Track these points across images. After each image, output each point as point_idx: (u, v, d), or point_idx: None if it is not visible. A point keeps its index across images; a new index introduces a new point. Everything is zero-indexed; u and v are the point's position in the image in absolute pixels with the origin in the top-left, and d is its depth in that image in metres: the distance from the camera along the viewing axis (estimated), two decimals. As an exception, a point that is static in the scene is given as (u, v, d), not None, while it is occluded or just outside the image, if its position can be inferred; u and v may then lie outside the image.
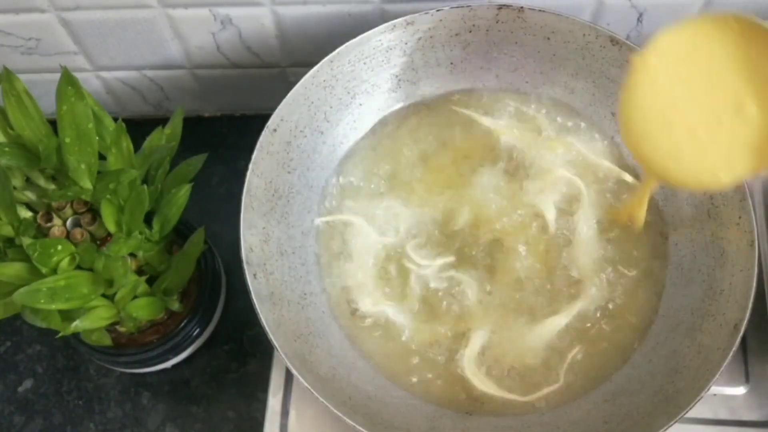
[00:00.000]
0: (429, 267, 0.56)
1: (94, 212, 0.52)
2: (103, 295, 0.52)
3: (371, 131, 0.61)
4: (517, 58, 0.60)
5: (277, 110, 0.55)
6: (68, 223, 0.52)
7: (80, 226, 0.52)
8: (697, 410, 0.46)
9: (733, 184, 0.44)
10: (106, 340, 0.56)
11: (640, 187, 0.50)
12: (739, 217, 0.52)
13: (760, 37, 0.42)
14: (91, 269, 0.51)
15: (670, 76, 0.43)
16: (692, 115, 0.43)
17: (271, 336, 0.48)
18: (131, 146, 0.52)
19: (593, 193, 0.58)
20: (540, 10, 0.56)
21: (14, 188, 0.50)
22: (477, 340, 0.54)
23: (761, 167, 0.42)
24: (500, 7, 0.57)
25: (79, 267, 0.51)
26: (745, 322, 0.49)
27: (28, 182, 0.52)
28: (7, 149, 0.49)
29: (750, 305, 0.49)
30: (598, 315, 0.55)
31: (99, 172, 0.51)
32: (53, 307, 0.48)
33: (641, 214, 0.51)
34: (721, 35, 0.43)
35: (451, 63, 0.61)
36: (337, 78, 0.58)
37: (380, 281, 0.56)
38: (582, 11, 0.63)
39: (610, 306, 0.55)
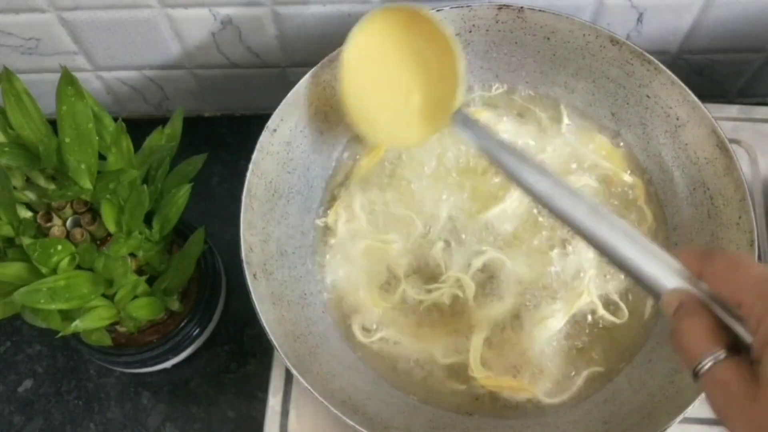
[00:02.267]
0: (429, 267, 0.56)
1: (94, 212, 0.52)
2: (103, 295, 0.52)
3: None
4: (517, 58, 0.60)
5: (277, 110, 0.55)
6: (68, 223, 0.52)
7: (80, 226, 0.52)
8: (697, 410, 0.46)
9: (419, 144, 0.58)
10: (106, 340, 0.56)
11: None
12: (739, 217, 0.52)
13: (421, 24, 0.51)
14: (91, 269, 0.51)
15: (365, 66, 0.53)
16: (383, 97, 0.53)
17: (271, 336, 0.48)
18: (131, 146, 0.52)
19: (592, 192, 0.58)
20: (540, 10, 0.56)
21: (14, 188, 0.50)
22: (477, 341, 0.54)
23: (432, 133, 0.52)
24: (500, 7, 0.57)
25: (79, 267, 0.51)
26: (745, 322, 0.49)
27: (28, 182, 0.52)
28: (7, 149, 0.49)
29: (750, 305, 0.49)
30: (598, 315, 0.55)
31: (99, 172, 0.51)
32: (53, 307, 0.48)
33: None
34: (397, 26, 0.51)
35: (451, 63, 0.61)
36: (337, 78, 0.57)
37: (380, 281, 0.56)
38: (582, 11, 0.63)
39: (610, 306, 0.55)
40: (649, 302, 0.55)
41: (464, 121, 0.49)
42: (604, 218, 0.41)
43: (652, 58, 0.55)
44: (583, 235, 0.42)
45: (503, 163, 0.46)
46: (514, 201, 0.56)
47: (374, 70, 0.53)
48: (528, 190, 0.44)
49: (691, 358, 0.36)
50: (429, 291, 0.55)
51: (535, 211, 0.57)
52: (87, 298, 0.50)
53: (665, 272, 0.38)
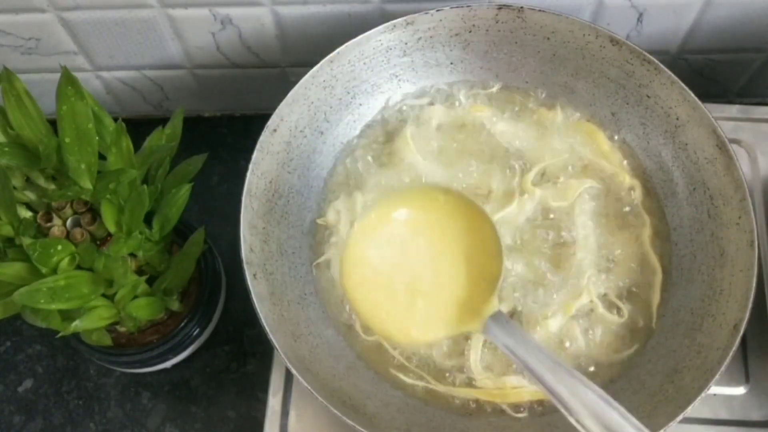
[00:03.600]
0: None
1: (94, 212, 0.52)
2: (103, 295, 0.52)
3: (371, 131, 0.61)
4: (517, 58, 0.60)
5: (277, 110, 0.55)
6: (68, 223, 0.52)
7: (80, 226, 0.52)
8: (697, 410, 0.46)
9: (431, 343, 0.48)
10: (106, 340, 0.56)
11: None
12: (739, 217, 0.52)
13: (464, 212, 0.45)
14: (91, 269, 0.51)
15: (374, 248, 0.47)
16: (392, 285, 0.47)
17: (271, 336, 0.48)
18: (131, 146, 0.52)
19: (592, 193, 0.58)
20: (540, 10, 0.56)
21: (14, 188, 0.50)
22: (477, 342, 0.54)
23: (453, 334, 0.46)
24: (500, 7, 0.57)
25: (79, 267, 0.51)
26: (745, 322, 0.49)
27: (28, 182, 0.52)
28: (7, 149, 0.49)
29: (750, 305, 0.49)
30: (598, 314, 0.54)
31: (99, 172, 0.51)
32: (53, 307, 0.48)
33: None
34: (422, 210, 0.46)
35: (451, 63, 0.61)
36: (337, 78, 0.58)
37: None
38: (582, 11, 0.63)
39: (610, 306, 0.55)
40: (649, 302, 0.55)
41: (500, 326, 0.44)
42: None
43: (652, 58, 0.55)
44: None
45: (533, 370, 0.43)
46: (516, 207, 0.56)
47: (383, 255, 0.46)
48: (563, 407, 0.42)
49: None
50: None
51: (540, 217, 0.57)
52: (87, 298, 0.50)
53: None
